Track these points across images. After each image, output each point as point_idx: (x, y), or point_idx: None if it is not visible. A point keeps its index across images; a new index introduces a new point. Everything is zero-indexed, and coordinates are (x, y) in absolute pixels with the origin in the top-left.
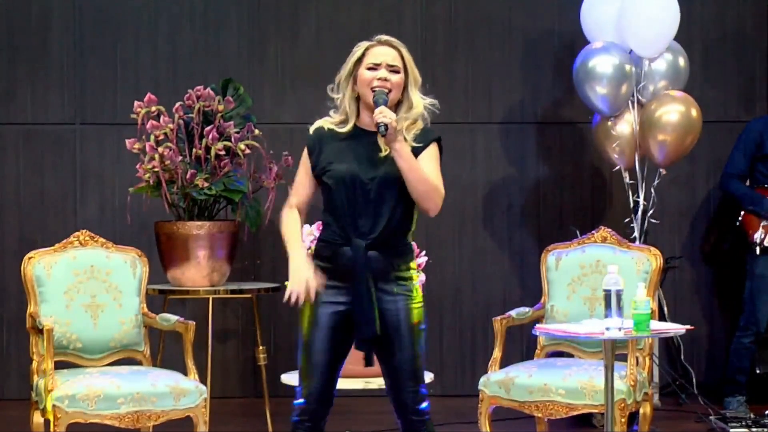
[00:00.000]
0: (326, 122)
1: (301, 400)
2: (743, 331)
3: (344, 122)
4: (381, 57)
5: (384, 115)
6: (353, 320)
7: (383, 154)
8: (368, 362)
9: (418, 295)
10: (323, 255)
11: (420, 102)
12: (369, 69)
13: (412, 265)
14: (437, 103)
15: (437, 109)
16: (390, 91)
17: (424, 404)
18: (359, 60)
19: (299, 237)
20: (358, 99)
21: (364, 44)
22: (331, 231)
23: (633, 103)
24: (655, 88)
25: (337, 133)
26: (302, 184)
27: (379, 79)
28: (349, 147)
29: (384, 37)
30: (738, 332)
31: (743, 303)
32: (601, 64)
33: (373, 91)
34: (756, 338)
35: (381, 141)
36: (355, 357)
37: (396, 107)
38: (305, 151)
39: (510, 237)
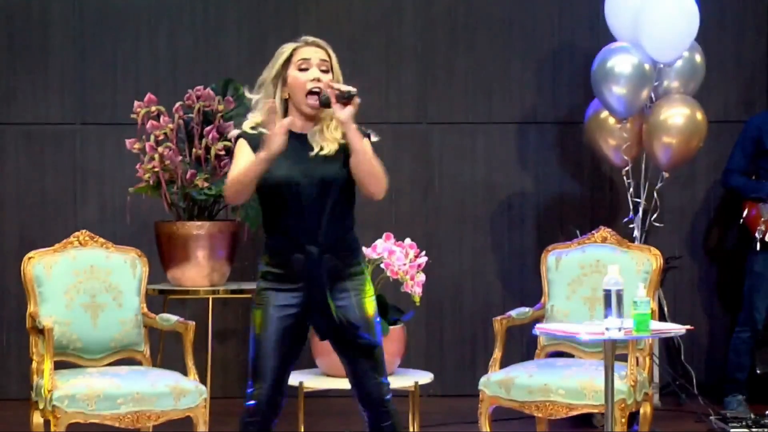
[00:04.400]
0: (253, 122)
1: (251, 402)
2: (741, 327)
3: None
4: (310, 54)
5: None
6: (313, 323)
7: (314, 153)
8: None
9: (370, 288)
10: (274, 262)
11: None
12: (300, 70)
13: (361, 259)
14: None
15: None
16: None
17: (389, 395)
18: (287, 61)
19: None
20: (285, 102)
21: (290, 45)
22: (278, 238)
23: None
24: (669, 86)
25: (262, 138)
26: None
27: (312, 80)
28: (282, 152)
29: (310, 38)
30: (736, 328)
31: (742, 300)
32: (620, 65)
33: (316, 92)
34: (753, 335)
35: (325, 132)
36: None
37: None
38: (244, 144)
39: (510, 237)
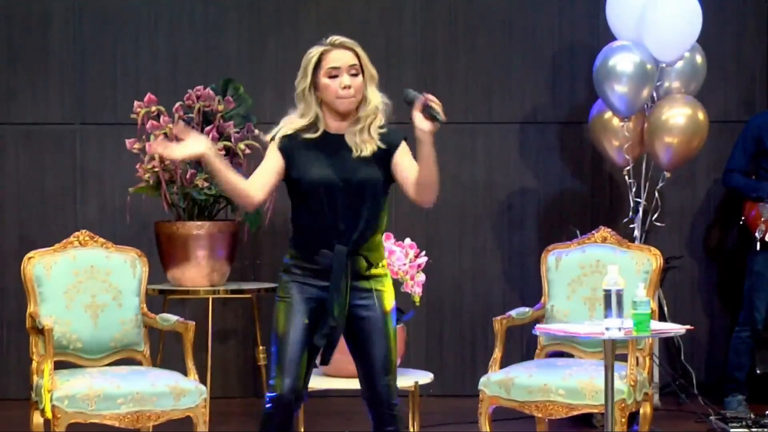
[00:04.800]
0: (293, 128)
1: (274, 394)
2: (741, 326)
3: (312, 127)
4: (340, 61)
5: (438, 106)
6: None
7: (355, 156)
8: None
9: (390, 288)
10: (301, 256)
11: (375, 97)
12: (330, 77)
13: (384, 262)
14: (389, 102)
15: (388, 106)
16: (353, 98)
17: (397, 399)
18: (316, 66)
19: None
20: (320, 104)
21: (318, 49)
22: (309, 236)
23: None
24: (671, 86)
25: (306, 140)
26: (265, 173)
27: (344, 87)
28: (320, 153)
29: (338, 39)
30: (736, 327)
31: (742, 300)
32: (621, 63)
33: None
34: (753, 335)
35: (365, 142)
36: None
37: (359, 105)
38: (274, 148)
39: (510, 237)
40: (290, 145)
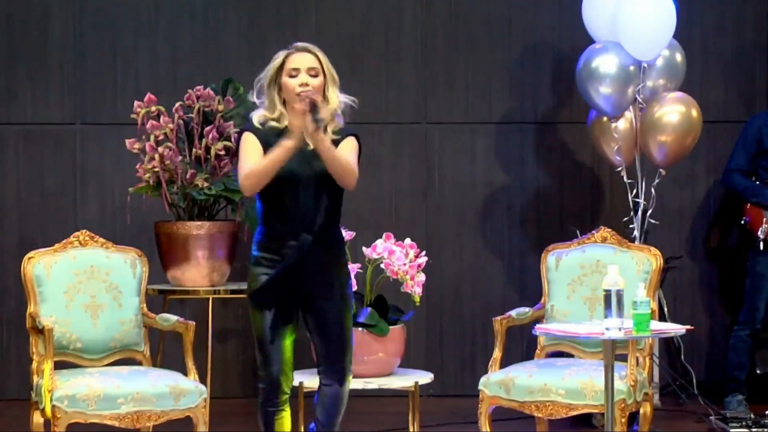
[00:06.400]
0: (261, 119)
1: (263, 384)
2: (741, 326)
3: (279, 119)
4: (300, 63)
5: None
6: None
7: (310, 148)
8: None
9: (347, 272)
10: (270, 247)
11: (335, 99)
12: (291, 77)
13: (345, 250)
14: (356, 100)
15: (354, 104)
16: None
17: (351, 375)
18: (280, 68)
19: None
20: (283, 104)
21: (283, 53)
22: (275, 226)
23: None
24: (654, 85)
25: (272, 133)
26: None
27: (301, 84)
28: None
29: (300, 44)
30: (736, 326)
31: (743, 299)
32: (604, 64)
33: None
34: (753, 334)
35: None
36: (355, 358)
37: None
38: (251, 137)
39: (510, 237)
40: (262, 138)
